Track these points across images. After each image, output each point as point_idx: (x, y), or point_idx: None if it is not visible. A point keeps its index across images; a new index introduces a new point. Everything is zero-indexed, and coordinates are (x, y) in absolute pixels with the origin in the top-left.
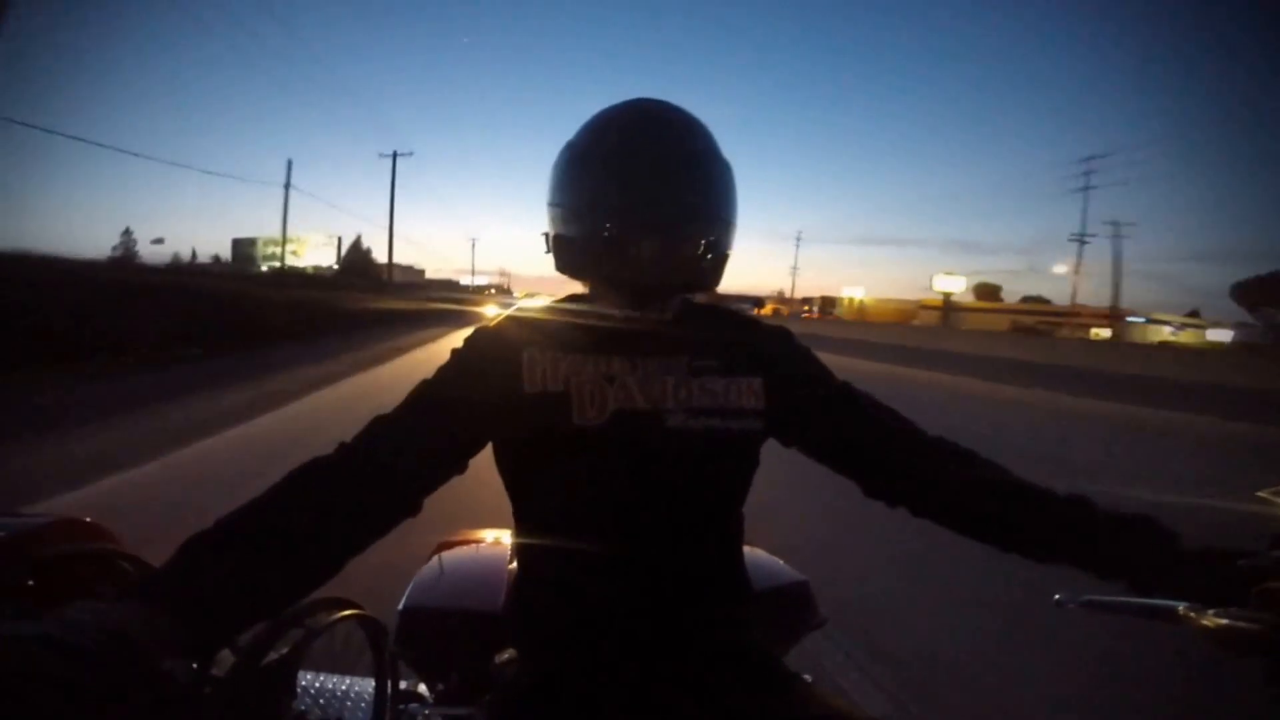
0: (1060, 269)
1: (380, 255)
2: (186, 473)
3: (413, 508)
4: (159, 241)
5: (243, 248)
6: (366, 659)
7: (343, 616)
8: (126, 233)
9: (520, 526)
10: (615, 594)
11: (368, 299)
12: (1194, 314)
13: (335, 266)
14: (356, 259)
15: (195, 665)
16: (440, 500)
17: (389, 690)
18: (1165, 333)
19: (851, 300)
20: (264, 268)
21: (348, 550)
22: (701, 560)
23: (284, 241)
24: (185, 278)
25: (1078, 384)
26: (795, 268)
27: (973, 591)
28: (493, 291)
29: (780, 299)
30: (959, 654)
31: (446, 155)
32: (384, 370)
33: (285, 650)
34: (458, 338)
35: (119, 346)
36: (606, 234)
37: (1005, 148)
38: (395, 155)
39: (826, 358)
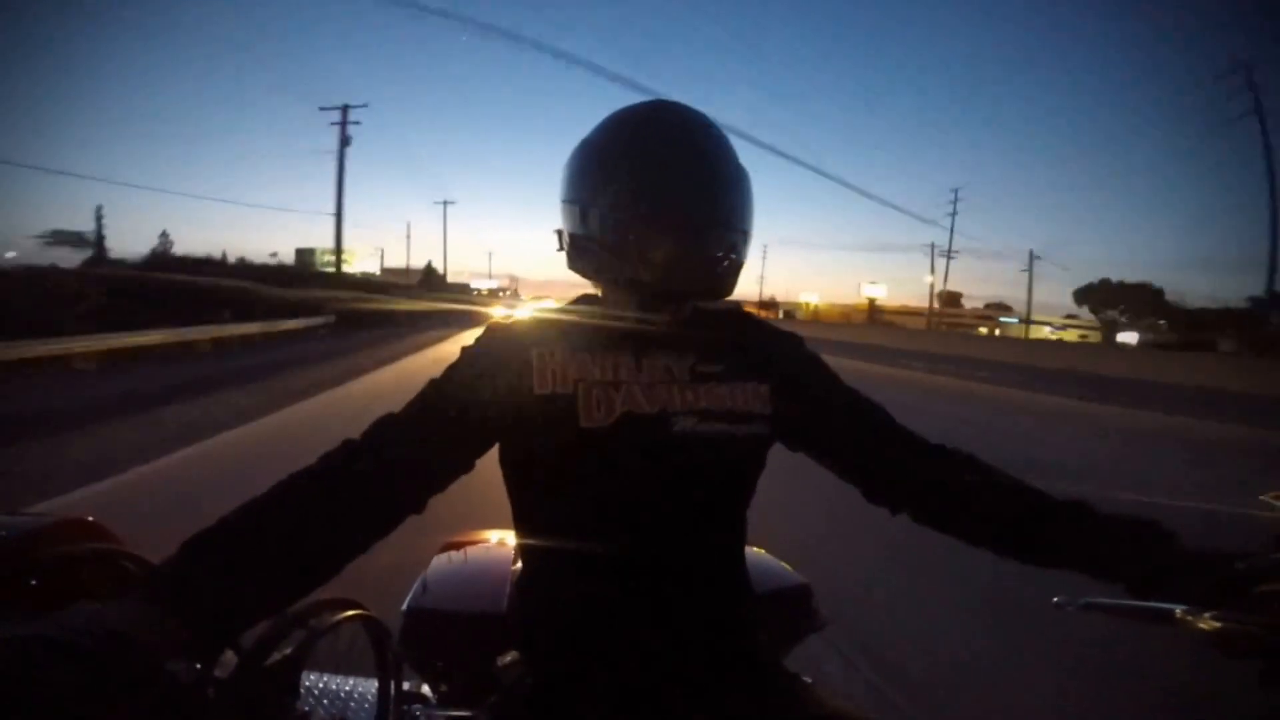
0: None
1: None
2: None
3: (417, 506)
4: (274, 255)
5: (304, 256)
6: (370, 660)
7: (346, 617)
8: (164, 235)
9: (521, 528)
10: (618, 596)
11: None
12: (1073, 316)
13: (378, 273)
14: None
15: (198, 666)
16: (444, 500)
17: (392, 691)
18: (1045, 331)
19: (807, 304)
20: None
21: (351, 549)
22: (704, 563)
23: (338, 253)
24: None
25: (917, 361)
26: (762, 276)
27: (962, 585)
28: (503, 294)
29: (757, 304)
30: (955, 652)
31: (460, 163)
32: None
33: (289, 651)
34: (468, 336)
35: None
36: (629, 235)
37: (981, 158)
38: (445, 206)
39: None
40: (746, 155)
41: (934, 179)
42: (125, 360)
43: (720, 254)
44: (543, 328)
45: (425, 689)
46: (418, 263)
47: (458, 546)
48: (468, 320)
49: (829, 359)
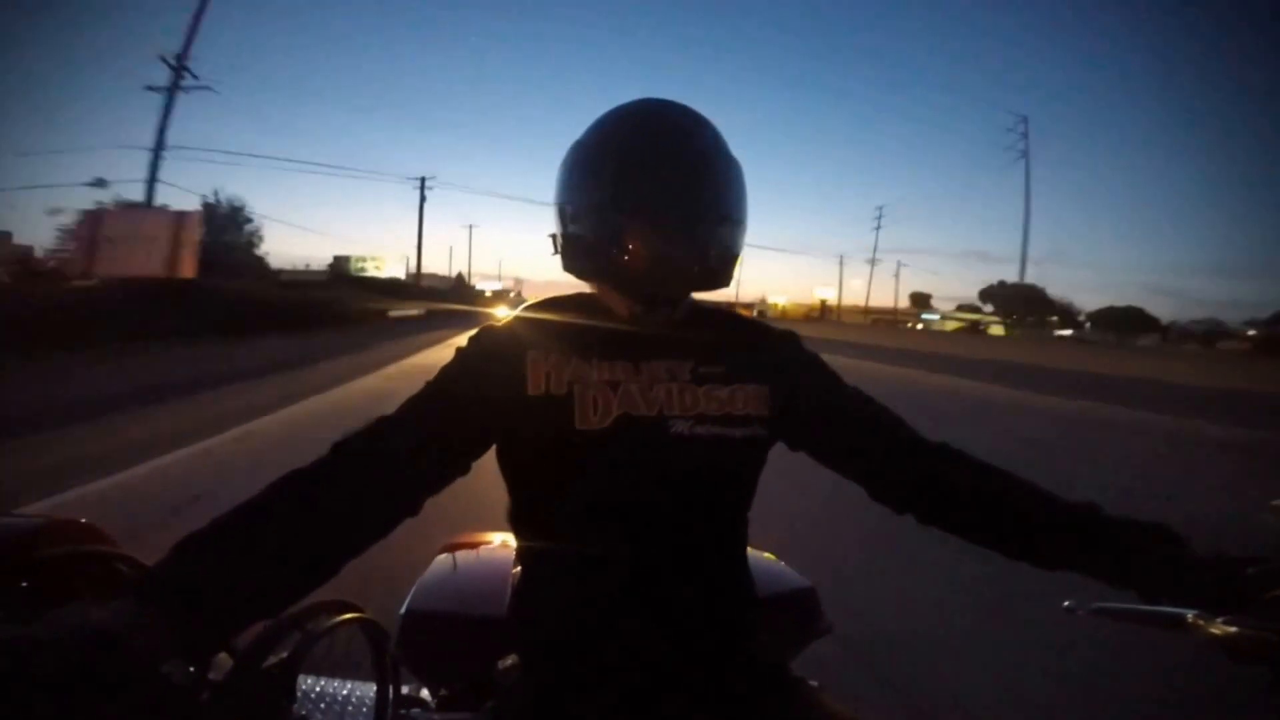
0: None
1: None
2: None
3: (413, 509)
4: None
5: (340, 262)
6: (368, 663)
7: (344, 620)
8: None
9: (520, 529)
10: (617, 600)
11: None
12: (968, 308)
13: (404, 277)
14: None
15: (192, 668)
16: (444, 500)
17: (390, 695)
18: (948, 325)
19: (776, 304)
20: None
21: (346, 552)
22: (705, 566)
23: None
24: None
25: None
26: (739, 279)
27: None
28: (508, 296)
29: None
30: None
31: (464, 168)
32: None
33: (285, 653)
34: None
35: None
36: (616, 234)
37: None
38: (471, 230)
39: None
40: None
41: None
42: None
43: (709, 246)
44: (537, 328)
45: (424, 693)
46: (425, 265)
47: (458, 548)
48: (487, 317)
49: None
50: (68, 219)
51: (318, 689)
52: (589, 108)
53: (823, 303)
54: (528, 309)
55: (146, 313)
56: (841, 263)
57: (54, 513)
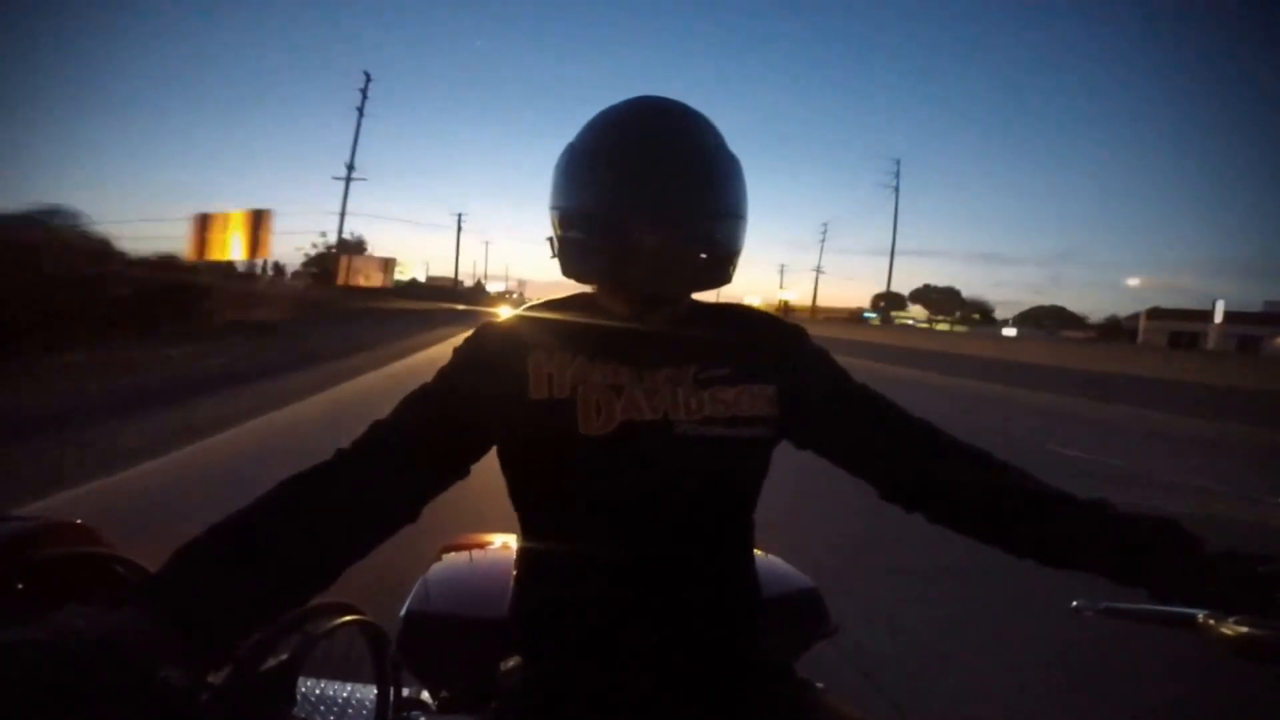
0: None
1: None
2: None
3: (411, 515)
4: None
5: None
6: (368, 665)
7: (344, 622)
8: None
9: (525, 532)
10: (623, 601)
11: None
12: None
13: (423, 280)
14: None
15: (193, 671)
16: (446, 501)
17: (390, 697)
18: (875, 321)
19: (750, 304)
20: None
21: (344, 558)
22: (711, 567)
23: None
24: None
25: None
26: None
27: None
28: (509, 296)
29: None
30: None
31: (472, 169)
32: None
33: (285, 656)
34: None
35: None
36: (610, 235)
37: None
38: (487, 246)
39: None
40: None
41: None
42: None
43: (708, 242)
44: (539, 329)
45: (424, 695)
46: (437, 268)
47: (458, 549)
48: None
49: None
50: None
51: (318, 691)
52: (578, 107)
53: (784, 303)
54: (529, 309)
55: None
56: (783, 271)
57: (50, 515)
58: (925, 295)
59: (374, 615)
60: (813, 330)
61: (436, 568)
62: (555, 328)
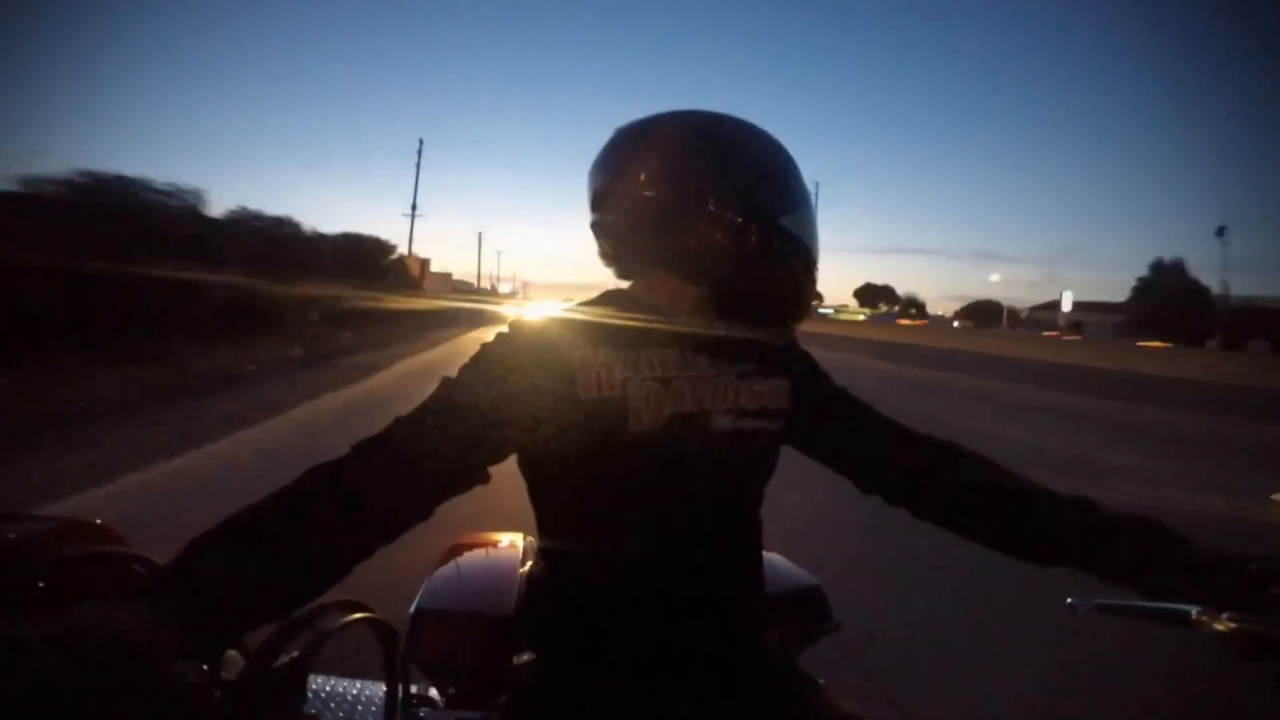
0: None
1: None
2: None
3: (426, 513)
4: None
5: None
6: (377, 662)
7: (354, 619)
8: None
9: (543, 528)
10: (637, 598)
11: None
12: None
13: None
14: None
15: (205, 668)
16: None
17: (400, 693)
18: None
19: None
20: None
21: (355, 555)
22: (725, 564)
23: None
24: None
25: None
26: None
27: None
28: (518, 296)
29: None
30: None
31: (476, 178)
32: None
33: (296, 653)
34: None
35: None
36: (743, 247)
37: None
38: (500, 255)
39: None
40: None
41: None
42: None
43: (815, 275)
44: (580, 327)
45: (433, 691)
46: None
47: (465, 549)
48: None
49: None
50: None
51: (328, 688)
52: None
53: None
54: (569, 310)
55: None
56: None
57: (68, 514)
58: (863, 291)
59: (383, 613)
60: None
61: (445, 566)
62: (594, 326)
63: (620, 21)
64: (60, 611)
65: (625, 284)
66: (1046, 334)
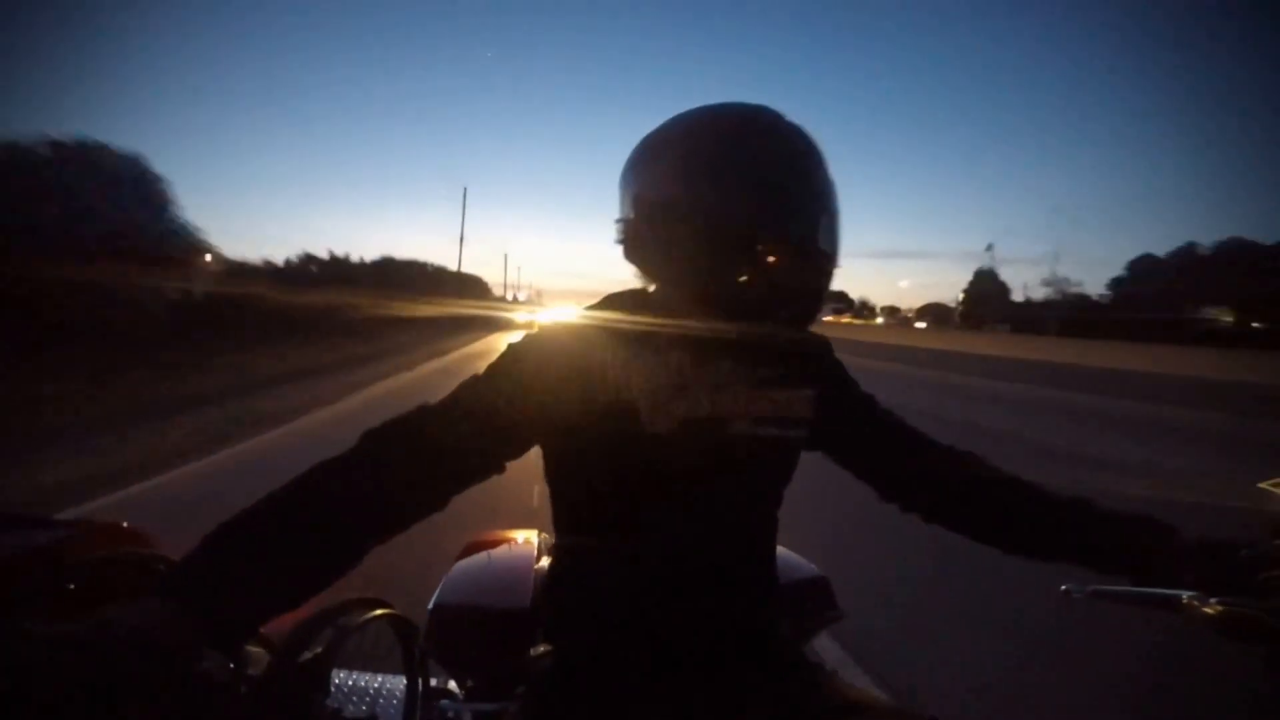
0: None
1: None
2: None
3: (441, 502)
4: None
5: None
6: (398, 657)
7: (374, 616)
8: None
9: (560, 523)
10: (652, 592)
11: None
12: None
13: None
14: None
15: (230, 665)
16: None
17: (420, 687)
18: None
19: None
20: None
21: (368, 543)
22: (742, 561)
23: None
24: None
25: None
26: None
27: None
28: (529, 302)
29: None
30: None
31: (495, 185)
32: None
33: (319, 649)
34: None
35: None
36: (739, 250)
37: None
38: (519, 266)
39: None
40: None
41: None
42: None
43: (828, 281)
44: (601, 329)
45: (452, 684)
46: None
47: (481, 546)
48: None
49: None
50: None
51: (350, 682)
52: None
53: None
54: (589, 309)
55: None
56: None
57: (96, 517)
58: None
59: (403, 609)
60: None
61: (462, 563)
62: (615, 329)
63: (626, 25)
64: (86, 612)
65: (637, 284)
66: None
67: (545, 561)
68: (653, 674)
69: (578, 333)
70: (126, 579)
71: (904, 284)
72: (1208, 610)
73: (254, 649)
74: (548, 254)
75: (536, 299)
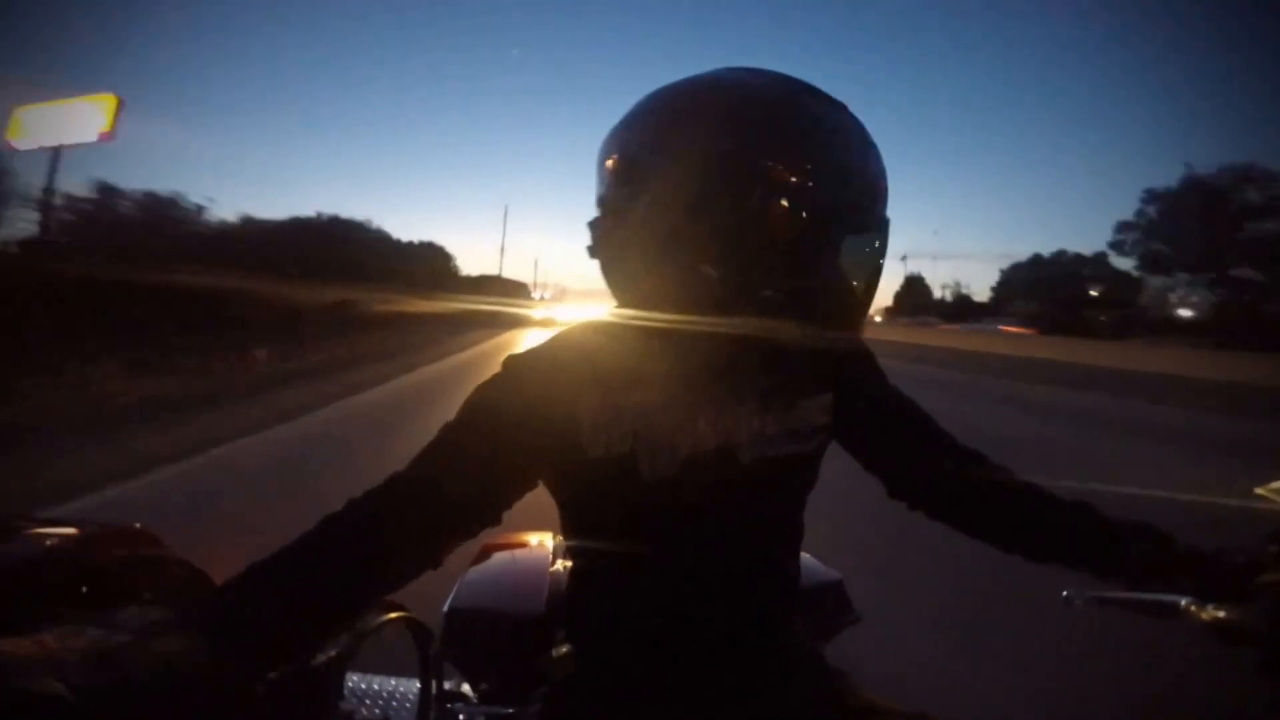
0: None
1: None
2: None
3: (433, 563)
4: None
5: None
6: (412, 660)
7: (389, 618)
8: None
9: (570, 534)
10: (674, 600)
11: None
12: None
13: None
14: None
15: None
16: None
17: (433, 690)
18: None
19: None
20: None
21: (368, 599)
22: (763, 568)
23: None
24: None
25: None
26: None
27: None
28: (546, 297)
29: None
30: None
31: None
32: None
33: (334, 652)
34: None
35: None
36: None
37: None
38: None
39: None
40: None
41: None
42: None
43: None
44: (583, 365)
45: (466, 688)
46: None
47: (496, 549)
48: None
49: None
50: None
51: (364, 685)
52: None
53: None
54: (567, 336)
55: None
56: None
57: (112, 519)
58: None
59: (418, 612)
60: None
61: (477, 566)
62: (603, 362)
63: (639, 26)
64: (104, 614)
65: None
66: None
67: (560, 565)
68: (673, 678)
69: (559, 369)
70: (143, 581)
71: None
72: (1205, 616)
73: None
74: (576, 253)
75: (559, 296)
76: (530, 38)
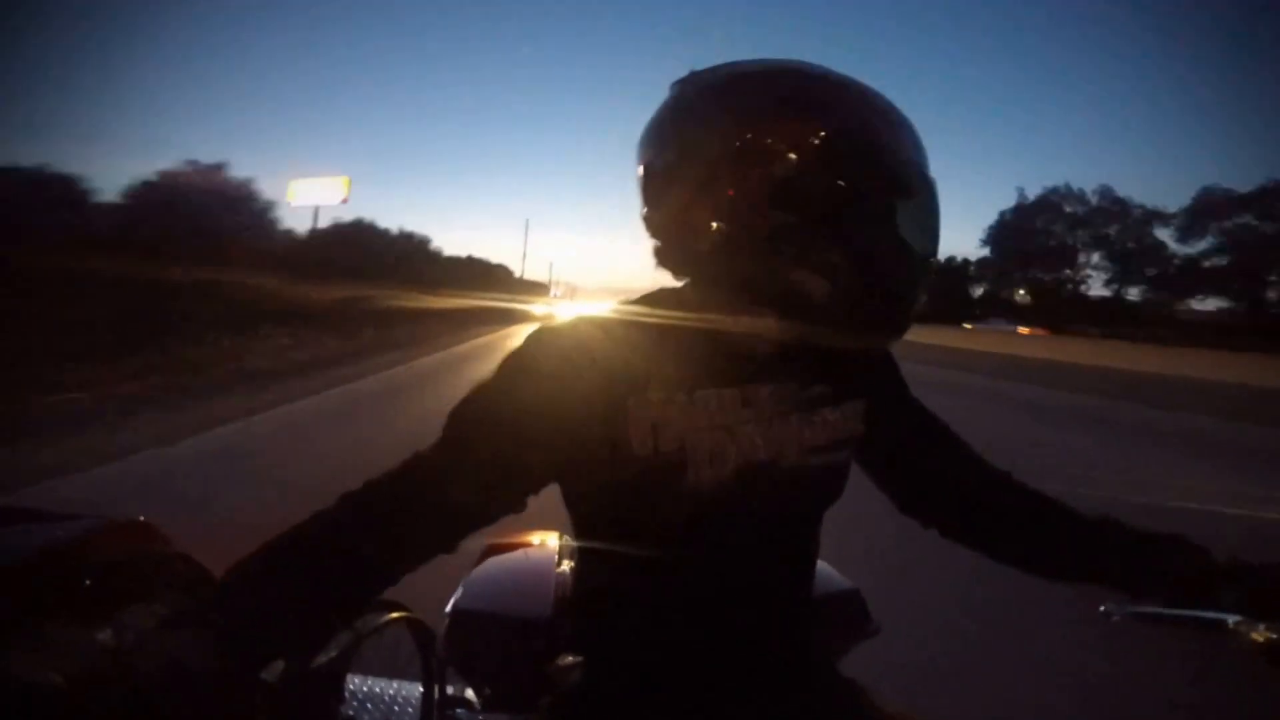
0: None
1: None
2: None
3: (449, 548)
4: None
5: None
6: (414, 663)
7: (391, 619)
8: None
9: (581, 534)
10: (689, 609)
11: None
12: None
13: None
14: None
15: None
16: None
17: (436, 695)
18: None
19: None
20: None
21: (376, 586)
22: (781, 579)
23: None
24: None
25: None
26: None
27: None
28: (557, 294)
29: None
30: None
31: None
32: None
33: (334, 653)
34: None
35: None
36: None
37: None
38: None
39: None
40: None
41: None
42: None
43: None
44: (630, 355)
45: (469, 692)
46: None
47: (501, 549)
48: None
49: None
50: None
51: (365, 688)
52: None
53: None
54: (613, 316)
55: None
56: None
57: (114, 515)
58: None
59: (420, 613)
60: None
61: (481, 566)
62: (649, 352)
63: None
64: (107, 610)
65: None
66: None
67: (566, 566)
68: (687, 691)
69: (601, 358)
70: (144, 577)
71: None
72: (1255, 637)
73: None
74: (591, 251)
75: (569, 294)
76: (545, 42)
